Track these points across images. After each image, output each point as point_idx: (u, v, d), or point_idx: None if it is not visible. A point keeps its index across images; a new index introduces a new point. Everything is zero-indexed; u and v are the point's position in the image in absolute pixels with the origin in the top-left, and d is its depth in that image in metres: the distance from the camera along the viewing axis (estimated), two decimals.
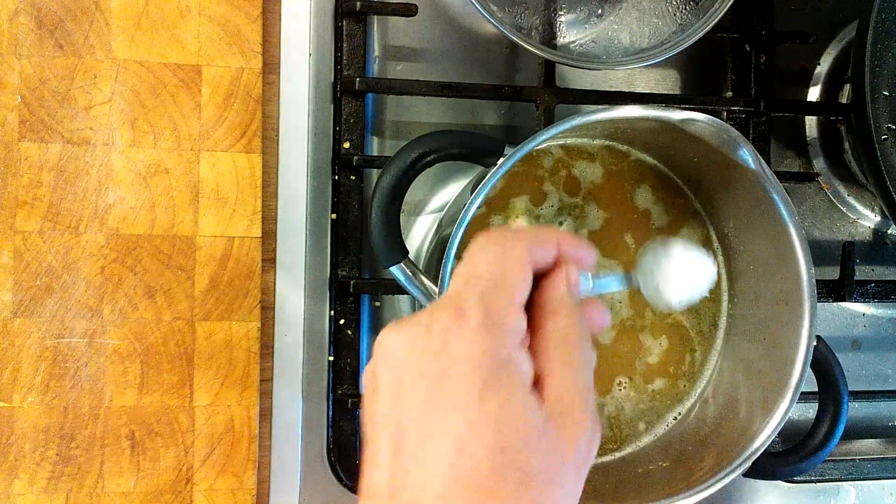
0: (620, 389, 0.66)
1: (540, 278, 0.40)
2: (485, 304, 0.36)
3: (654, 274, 0.43)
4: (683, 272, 0.43)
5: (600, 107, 0.58)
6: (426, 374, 0.35)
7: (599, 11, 0.71)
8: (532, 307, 0.39)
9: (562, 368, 0.37)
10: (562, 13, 0.70)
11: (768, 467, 0.62)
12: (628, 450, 0.65)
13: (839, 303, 0.76)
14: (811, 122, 0.78)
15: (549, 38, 0.70)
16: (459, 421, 0.34)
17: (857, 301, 0.74)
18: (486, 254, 0.38)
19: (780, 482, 0.74)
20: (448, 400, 0.35)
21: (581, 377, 0.38)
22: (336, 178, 0.66)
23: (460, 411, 0.34)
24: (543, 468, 0.35)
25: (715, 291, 0.67)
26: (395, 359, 0.37)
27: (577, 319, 0.39)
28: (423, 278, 0.57)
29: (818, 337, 0.60)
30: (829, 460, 0.68)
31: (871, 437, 0.78)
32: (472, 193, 0.54)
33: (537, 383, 0.37)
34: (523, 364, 0.37)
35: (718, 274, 0.67)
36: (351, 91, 0.66)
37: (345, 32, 0.66)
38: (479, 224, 0.63)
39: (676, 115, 0.55)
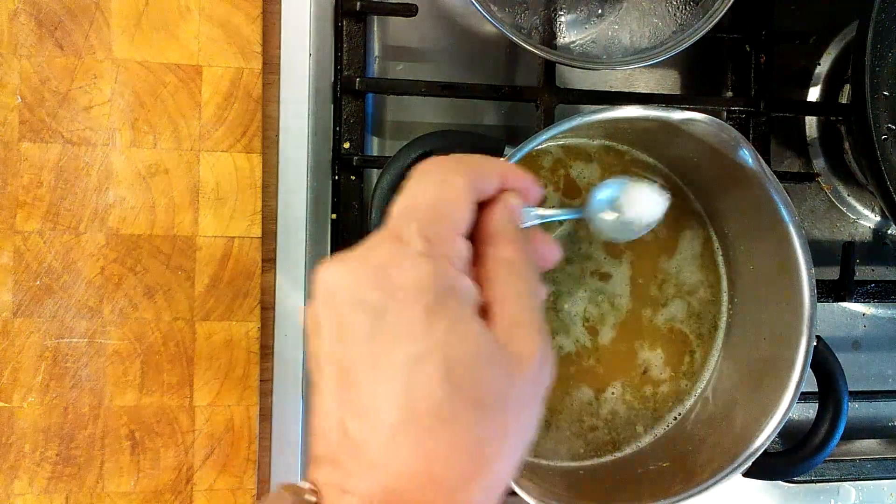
0: (620, 390, 0.66)
1: (482, 208, 0.39)
2: (425, 232, 0.35)
3: (604, 206, 0.43)
4: (633, 202, 0.43)
5: (600, 107, 0.58)
6: (368, 307, 0.34)
7: (599, 11, 0.71)
8: (475, 238, 0.38)
9: (508, 294, 0.36)
10: (562, 13, 0.70)
11: (768, 467, 0.62)
12: (628, 450, 0.65)
13: (839, 303, 0.76)
14: (811, 122, 0.78)
15: (549, 38, 0.70)
16: (406, 351, 0.33)
17: (857, 301, 0.74)
18: (426, 183, 0.37)
19: (780, 482, 0.74)
20: (393, 330, 0.34)
21: (529, 302, 0.37)
22: (336, 178, 0.66)
23: (406, 341, 0.33)
24: (496, 393, 0.34)
25: (715, 290, 0.67)
26: (335, 294, 0.35)
27: (520, 248, 0.38)
28: None
29: (818, 337, 0.60)
30: (829, 460, 0.68)
31: (871, 437, 0.78)
32: None
33: (485, 312, 0.36)
34: (469, 290, 0.36)
35: (719, 272, 0.67)
36: (351, 91, 0.66)
37: (345, 32, 0.66)
38: None
39: (676, 115, 0.55)
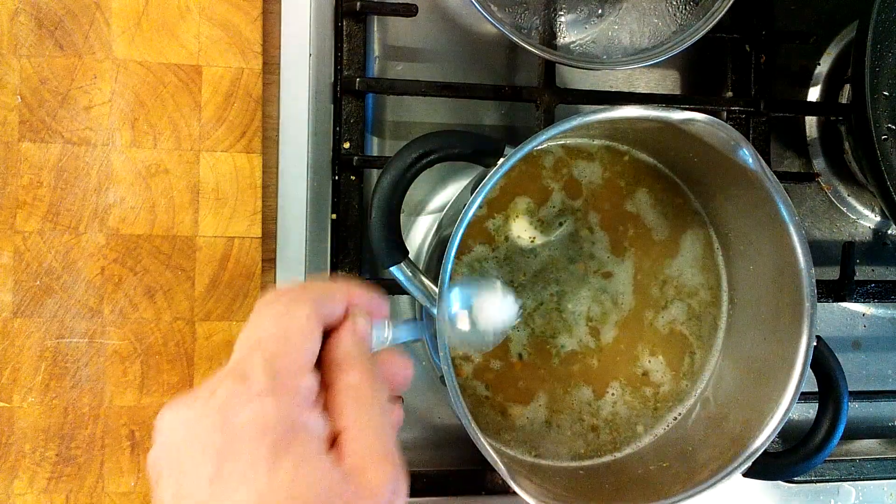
0: (620, 390, 0.66)
1: (330, 334, 0.38)
2: (269, 368, 0.34)
3: (455, 318, 0.42)
4: (483, 313, 0.42)
5: (600, 107, 0.58)
6: (209, 450, 0.33)
7: (599, 12, 0.71)
8: (323, 364, 0.37)
9: (357, 423, 0.36)
10: (562, 13, 0.70)
11: (768, 467, 0.62)
12: (628, 450, 0.65)
13: (839, 303, 0.76)
14: (811, 122, 0.78)
15: (549, 39, 0.70)
16: (250, 495, 0.32)
17: (857, 301, 0.74)
18: (269, 315, 0.36)
19: (780, 482, 0.74)
20: (235, 473, 0.33)
21: (378, 429, 0.36)
22: (336, 178, 0.66)
23: (250, 484, 0.33)
24: None
25: (715, 290, 0.67)
26: (175, 439, 0.34)
27: (368, 372, 0.37)
28: (423, 278, 0.57)
29: (818, 337, 0.60)
30: (829, 460, 0.68)
31: (871, 437, 0.78)
32: (472, 193, 0.54)
33: (334, 442, 0.35)
34: (315, 425, 0.35)
35: (719, 273, 0.67)
36: (351, 91, 0.66)
37: (345, 32, 0.66)
38: (479, 224, 0.63)
39: (676, 115, 0.55)
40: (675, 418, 0.66)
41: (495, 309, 0.42)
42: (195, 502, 0.33)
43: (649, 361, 0.66)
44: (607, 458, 0.65)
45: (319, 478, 0.34)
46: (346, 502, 0.34)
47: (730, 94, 0.73)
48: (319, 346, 0.37)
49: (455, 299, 0.42)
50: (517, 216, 0.64)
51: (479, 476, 0.68)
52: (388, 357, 0.40)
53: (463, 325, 0.42)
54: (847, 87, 0.77)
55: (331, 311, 0.38)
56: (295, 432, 0.34)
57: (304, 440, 0.34)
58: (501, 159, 0.55)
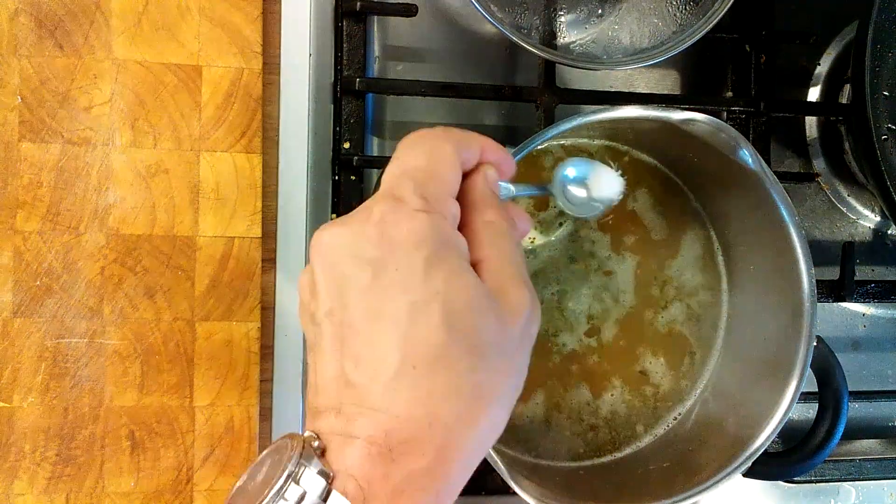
0: (620, 390, 0.66)
1: (464, 178, 0.40)
2: (421, 191, 0.37)
3: (567, 184, 0.47)
4: (600, 182, 0.47)
5: (600, 107, 0.58)
6: (369, 261, 0.36)
7: (599, 12, 0.71)
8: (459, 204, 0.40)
9: (494, 253, 0.38)
10: (562, 13, 0.70)
11: (768, 467, 0.62)
12: (628, 450, 0.65)
13: (839, 303, 0.76)
14: (811, 123, 0.78)
15: (549, 39, 0.70)
16: (407, 299, 0.35)
17: (857, 301, 0.74)
18: (417, 149, 0.39)
19: (780, 482, 0.74)
20: (393, 281, 0.35)
21: (515, 259, 0.39)
22: (336, 178, 0.66)
23: (407, 290, 0.35)
24: (492, 340, 0.36)
25: (715, 291, 0.67)
26: (335, 252, 0.37)
27: (501, 213, 0.40)
28: None
29: (818, 337, 0.60)
30: (829, 460, 0.68)
31: (871, 437, 0.78)
32: None
33: (474, 269, 0.38)
34: (463, 245, 0.37)
35: (719, 273, 0.67)
36: (351, 91, 0.66)
37: (345, 33, 0.66)
38: None
39: (676, 115, 0.55)
40: (675, 418, 0.66)
41: (606, 181, 0.47)
42: (356, 306, 0.36)
43: (649, 362, 0.66)
44: (607, 458, 0.65)
45: (470, 289, 0.36)
46: (492, 315, 0.36)
47: (730, 94, 0.73)
48: (460, 181, 0.40)
49: (572, 170, 0.47)
50: None
51: (479, 476, 0.68)
52: (510, 206, 0.43)
53: (580, 192, 0.47)
54: (847, 87, 0.77)
55: (468, 155, 0.40)
56: (447, 248, 0.36)
57: (455, 255, 0.36)
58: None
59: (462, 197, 0.40)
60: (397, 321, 0.35)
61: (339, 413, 0.36)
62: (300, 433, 0.37)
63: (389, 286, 0.35)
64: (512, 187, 0.43)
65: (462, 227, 0.39)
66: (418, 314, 0.35)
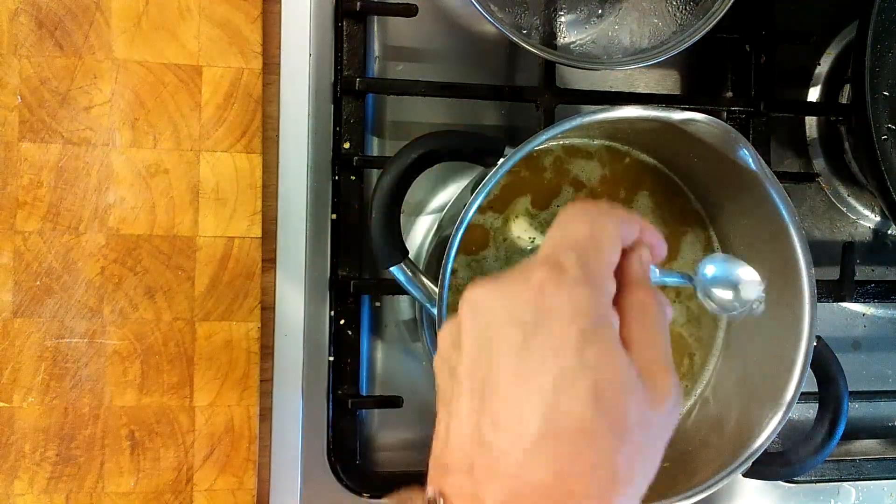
0: None
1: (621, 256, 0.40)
2: (582, 262, 0.36)
3: (712, 285, 0.46)
4: (733, 285, 0.46)
5: (600, 107, 0.58)
6: (523, 324, 0.35)
7: (599, 12, 0.71)
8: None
9: (646, 335, 0.38)
10: (562, 13, 0.70)
11: (768, 467, 0.62)
12: None
13: (839, 303, 0.76)
14: (811, 123, 0.78)
15: (549, 39, 0.70)
16: (556, 368, 0.34)
17: (857, 301, 0.74)
18: (582, 221, 0.39)
19: (780, 482, 0.74)
20: (545, 347, 0.35)
21: (664, 345, 0.39)
22: (336, 178, 0.66)
23: (558, 359, 0.34)
24: (637, 421, 0.35)
25: None
26: (488, 310, 0.37)
27: (655, 295, 0.40)
28: (424, 278, 0.57)
29: (818, 337, 0.60)
30: (829, 460, 0.68)
31: (871, 437, 0.78)
32: (472, 193, 0.54)
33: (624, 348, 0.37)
34: (616, 322, 0.37)
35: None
36: (351, 91, 0.66)
37: (345, 33, 0.66)
38: (479, 224, 0.63)
39: (676, 115, 0.55)
40: None
41: (751, 286, 0.46)
42: (502, 367, 0.35)
43: None
44: None
45: (621, 368, 0.35)
46: (640, 397, 0.36)
47: (730, 94, 0.73)
48: (619, 259, 0.39)
49: (716, 267, 0.47)
50: (517, 216, 0.64)
51: None
52: (659, 291, 0.43)
53: (724, 294, 0.46)
54: (847, 87, 0.77)
55: (628, 233, 0.40)
56: (603, 324, 0.36)
57: (610, 333, 0.36)
58: (501, 159, 0.55)
59: (618, 274, 0.39)
60: (544, 388, 0.34)
61: (469, 474, 0.35)
62: (424, 490, 0.37)
63: (540, 352, 0.35)
64: (657, 271, 0.43)
65: (615, 304, 0.39)
66: (567, 385, 0.34)
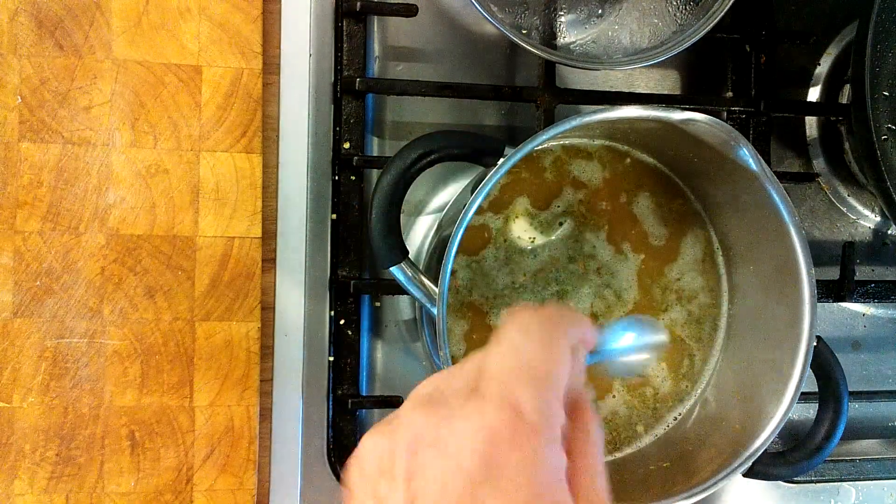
0: (619, 391, 0.66)
1: None
2: (540, 402, 0.34)
3: (614, 347, 0.45)
4: (638, 345, 0.45)
5: (600, 107, 0.58)
6: (468, 473, 0.32)
7: (599, 12, 0.71)
8: None
9: (591, 469, 0.36)
10: (562, 13, 0.70)
11: (768, 467, 0.62)
12: (628, 450, 0.65)
13: (839, 303, 0.76)
14: (811, 123, 0.78)
15: (549, 39, 0.70)
16: None
17: (857, 301, 0.74)
18: (534, 340, 0.35)
19: (780, 482, 0.74)
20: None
21: (601, 470, 0.36)
22: (336, 178, 0.66)
23: None
24: None
25: (715, 292, 0.67)
26: (432, 448, 0.34)
27: (593, 416, 0.37)
28: (423, 278, 0.57)
29: (818, 337, 0.60)
30: (829, 460, 0.68)
31: (871, 437, 0.78)
32: (472, 193, 0.54)
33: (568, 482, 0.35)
34: (563, 464, 0.34)
35: (719, 273, 0.67)
36: (351, 91, 0.66)
37: (345, 32, 0.66)
38: (479, 224, 0.63)
39: (676, 115, 0.55)
40: (675, 418, 0.66)
41: (650, 341, 0.46)
42: None
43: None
44: (607, 458, 0.65)
45: None
46: None
47: (730, 94, 0.73)
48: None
49: (627, 337, 0.45)
50: (517, 216, 0.64)
51: None
52: (592, 408, 0.41)
53: (636, 358, 0.45)
54: (847, 87, 0.77)
55: (574, 343, 0.37)
56: (551, 490, 0.33)
57: (561, 496, 0.34)
58: (501, 159, 0.55)
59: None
60: None
61: None
62: None
63: None
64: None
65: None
66: None
